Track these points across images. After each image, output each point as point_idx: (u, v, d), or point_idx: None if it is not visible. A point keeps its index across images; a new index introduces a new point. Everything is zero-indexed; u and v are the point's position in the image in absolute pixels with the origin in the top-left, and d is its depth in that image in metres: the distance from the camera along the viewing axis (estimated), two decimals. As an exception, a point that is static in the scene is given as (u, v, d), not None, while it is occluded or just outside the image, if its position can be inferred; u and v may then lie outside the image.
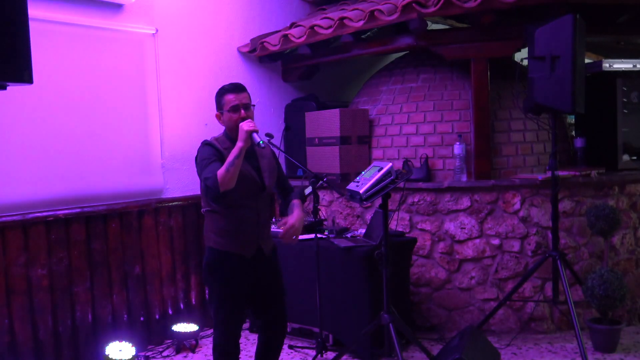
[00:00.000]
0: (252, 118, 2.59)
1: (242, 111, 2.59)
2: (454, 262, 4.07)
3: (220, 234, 2.63)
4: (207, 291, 2.84)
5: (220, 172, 2.37)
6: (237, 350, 2.73)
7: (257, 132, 2.48)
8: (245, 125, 2.46)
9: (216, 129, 4.59)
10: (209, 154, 2.54)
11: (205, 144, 2.64)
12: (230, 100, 2.60)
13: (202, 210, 2.73)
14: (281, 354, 3.82)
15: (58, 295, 3.59)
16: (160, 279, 4.16)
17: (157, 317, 4.13)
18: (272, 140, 2.72)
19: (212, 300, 2.68)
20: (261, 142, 2.47)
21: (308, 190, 3.76)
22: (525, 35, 3.60)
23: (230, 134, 2.63)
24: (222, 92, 2.65)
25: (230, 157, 2.40)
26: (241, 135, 2.45)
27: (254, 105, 2.70)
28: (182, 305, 4.29)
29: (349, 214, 4.48)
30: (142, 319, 4.04)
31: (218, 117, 2.69)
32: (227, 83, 2.68)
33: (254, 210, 2.65)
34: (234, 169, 2.39)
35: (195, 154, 2.67)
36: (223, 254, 2.63)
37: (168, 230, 4.21)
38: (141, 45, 4.08)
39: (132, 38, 4.02)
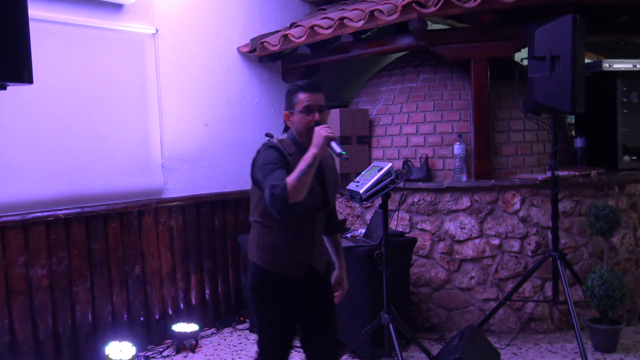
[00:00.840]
0: (325, 122, 2.28)
1: (317, 114, 2.26)
2: (454, 262, 4.07)
3: (268, 251, 2.30)
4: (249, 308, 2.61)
5: (291, 180, 2.04)
6: None
7: (335, 139, 2.17)
8: (323, 131, 2.13)
9: (216, 129, 4.62)
10: (274, 158, 2.19)
11: (270, 146, 2.26)
12: (304, 100, 2.26)
13: (250, 218, 2.40)
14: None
15: (58, 295, 3.59)
16: (160, 279, 4.16)
17: (157, 317, 4.13)
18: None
19: (258, 322, 2.39)
20: (343, 152, 2.15)
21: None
22: (525, 35, 3.60)
23: (299, 138, 2.30)
24: (295, 90, 2.30)
25: (302, 165, 2.07)
26: (317, 141, 2.12)
27: (328, 110, 2.43)
28: (182, 305, 4.29)
29: (349, 214, 4.48)
30: (142, 318, 4.04)
31: (286, 117, 2.34)
32: (301, 80, 2.38)
33: (308, 228, 2.32)
34: (307, 179, 2.07)
35: (255, 156, 2.32)
36: (270, 274, 2.30)
37: (168, 230, 4.21)
38: (141, 45, 4.08)
39: (132, 38, 4.02)
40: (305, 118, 2.26)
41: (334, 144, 2.16)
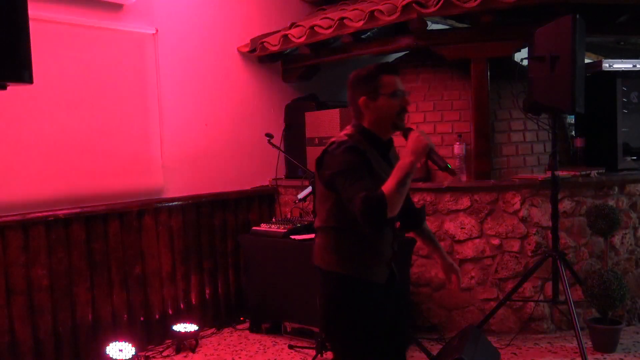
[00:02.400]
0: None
1: (407, 99, 2.03)
2: (454, 262, 4.07)
3: (350, 258, 2.05)
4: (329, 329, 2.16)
5: (390, 191, 1.80)
6: None
7: (434, 148, 1.93)
8: (424, 138, 1.90)
9: (216, 129, 4.61)
10: (359, 163, 1.92)
11: (350, 146, 1.96)
12: (392, 83, 2.01)
13: (318, 226, 2.14)
14: (281, 353, 3.84)
15: (58, 295, 3.59)
16: (160, 279, 4.16)
17: (157, 317, 4.13)
18: (272, 140, 2.63)
19: (341, 342, 2.08)
20: (449, 165, 1.92)
21: (308, 190, 3.78)
22: (525, 35, 3.60)
23: (376, 128, 2.04)
24: (374, 72, 2.02)
25: (400, 173, 1.83)
26: (416, 148, 1.87)
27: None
28: (182, 305, 4.29)
29: (349, 214, 4.47)
30: (142, 318, 4.04)
31: (365, 104, 2.02)
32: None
33: (390, 228, 2.12)
34: (405, 190, 1.84)
35: (323, 156, 2.03)
36: (352, 281, 2.05)
37: (168, 230, 4.21)
38: (141, 45, 4.08)
39: (132, 38, 4.02)
40: (394, 103, 2.00)
41: (434, 156, 1.91)
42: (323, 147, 2.05)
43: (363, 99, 2.02)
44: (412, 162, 1.85)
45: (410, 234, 2.38)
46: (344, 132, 2.07)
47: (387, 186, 1.81)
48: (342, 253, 2.06)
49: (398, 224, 2.29)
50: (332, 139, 2.05)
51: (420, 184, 4.09)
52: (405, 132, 1.99)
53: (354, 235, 2.02)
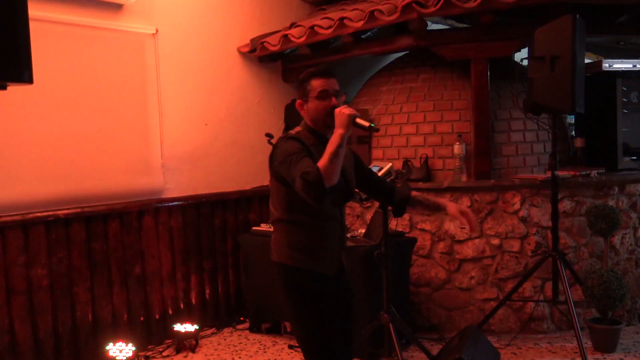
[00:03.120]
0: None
1: (333, 99, 2.18)
2: (454, 262, 4.07)
3: (301, 249, 2.19)
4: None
5: (323, 164, 1.93)
6: None
7: (359, 115, 2.09)
8: (345, 109, 2.05)
9: (216, 129, 4.61)
10: (298, 148, 2.08)
11: (290, 137, 2.16)
12: (319, 85, 2.18)
13: (272, 220, 2.29)
14: (281, 353, 3.84)
15: (58, 295, 3.59)
16: (160, 278, 4.16)
17: (157, 317, 4.13)
18: (272, 141, 2.66)
19: (299, 330, 2.23)
20: (372, 124, 2.10)
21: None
22: (525, 35, 3.60)
23: (315, 127, 2.22)
24: (307, 77, 2.21)
25: (331, 147, 1.97)
26: (341, 121, 2.03)
27: (344, 93, 2.33)
28: (182, 305, 4.29)
29: (349, 213, 4.48)
30: (142, 318, 4.04)
31: (300, 106, 2.24)
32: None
33: (337, 222, 2.26)
34: (338, 161, 1.96)
35: (272, 152, 2.22)
36: (303, 272, 2.20)
37: (168, 230, 4.21)
38: (141, 45, 4.08)
39: (132, 38, 4.02)
40: (321, 104, 2.17)
41: (360, 120, 2.07)
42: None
43: (298, 102, 2.25)
44: (341, 135, 2.01)
45: (412, 212, 2.49)
46: (294, 130, 2.25)
47: (322, 160, 1.96)
48: (293, 246, 2.20)
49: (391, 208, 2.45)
50: (278, 139, 2.23)
51: (420, 184, 4.09)
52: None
53: (305, 228, 2.19)
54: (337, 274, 2.29)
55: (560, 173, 3.72)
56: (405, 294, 3.87)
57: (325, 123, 2.18)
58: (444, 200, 2.45)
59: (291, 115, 4.90)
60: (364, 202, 3.07)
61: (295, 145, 2.11)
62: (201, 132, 4.49)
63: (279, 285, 2.27)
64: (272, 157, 2.20)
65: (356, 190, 2.43)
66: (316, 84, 2.19)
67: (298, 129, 2.25)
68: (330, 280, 2.25)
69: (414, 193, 2.44)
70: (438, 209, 2.45)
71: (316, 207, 2.04)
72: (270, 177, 2.24)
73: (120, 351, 3.61)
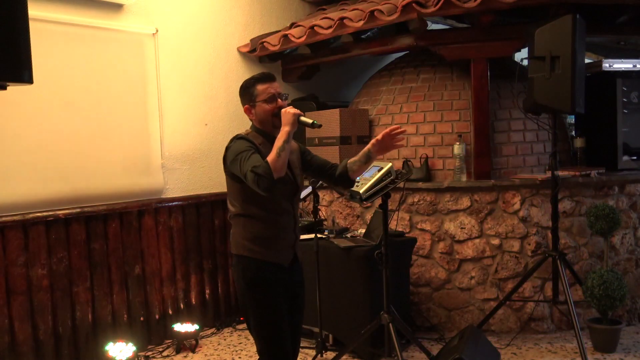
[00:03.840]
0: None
1: (279, 100, 2.38)
2: (454, 262, 4.07)
3: (257, 241, 2.35)
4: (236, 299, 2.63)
5: (272, 157, 2.14)
6: None
7: (303, 114, 2.31)
8: (290, 109, 2.27)
9: (216, 129, 4.61)
10: (247, 147, 2.28)
11: (240, 137, 2.36)
12: (264, 90, 2.37)
13: (229, 215, 2.45)
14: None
15: (58, 295, 3.59)
16: (160, 278, 4.16)
17: (157, 317, 4.13)
18: None
19: (254, 316, 2.37)
20: (315, 122, 2.29)
21: (308, 190, 3.77)
22: (525, 35, 3.60)
23: (263, 128, 2.40)
24: (252, 83, 2.40)
25: (278, 142, 2.18)
26: (287, 120, 2.25)
27: (287, 95, 2.50)
28: (182, 305, 4.29)
29: (349, 213, 4.48)
30: (142, 318, 4.04)
31: (247, 111, 2.43)
32: (257, 74, 2.44)
33: (290, 215, 2.42)
34: (285, 154, 2.17)
35: (225, 153, 2.39)
36: (259, 262, 2.36)
37: (168, 230, 4.21)
38: (141, 45, 4.08)
39: (132, 38, 4.02)
40: (269, 106, 2.37)
41: (304, 118, 2.29)
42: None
43: (245, 107, 2.44)
44: (288, 131, 2.23)
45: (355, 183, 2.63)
46: (244, 132, 2.44)
47: (271, 155, 2.16)
48: (250, 238, 2.36)
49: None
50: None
51: (421, 184, 4.09)
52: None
53: (260, 221, 2.35)
54: (291, 264, 2.44)
55: (560, 173, 3.72)
56: (405, 294, 3.87)
57: (273, 123, 2.36)
58: (368, 145, 2.51)
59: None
60: (364, 202, 3.06)
61: (244, 144, 2.30)
62: (201, 132, 4.49)
63: (236, 275, 2.42)
64: (225, 157, 2.36)
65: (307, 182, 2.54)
66: (261, 88, 2.38)
67: (248, 130, 2.45)
68: (285, 270, 2.41)
69: (349, 160, 2.54)
70: (368, 156, 2.51)
71: (266, 197, 2.22)
72: (225, 175, 2.40)
73: (120, 351, 3.61)
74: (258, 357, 2.42)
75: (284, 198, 2.39)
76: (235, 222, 2.42)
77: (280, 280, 2.38)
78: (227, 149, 2.37)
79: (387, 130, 2.45)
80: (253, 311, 2.36)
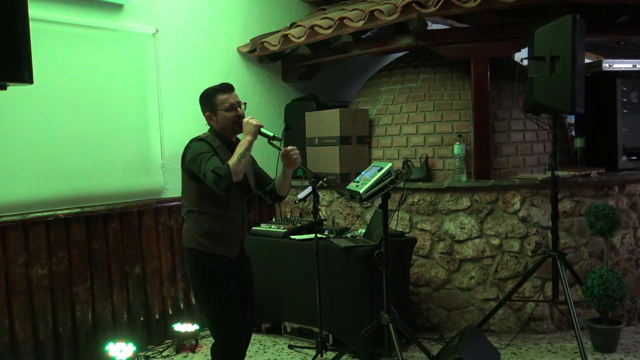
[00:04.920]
0: (244, 116, 2.65)
1: (239, 109, 2.64)
2: (454, 262, 4.07)
3: (208, 236, 2.58)
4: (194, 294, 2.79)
5: (233, 162, 2.39)
6: (247, 344, 2.76)
7: (264, 127, 2.57)
8: (253, 121, 2.54)
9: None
10: (207, 149, 2.51)
11: (199, 139, 2.59)
12: (225, 100, 2.62)
13: (184, 211, 2.67)
14: (281, 353, 3.84)
15: (58, 295, 3.59)
16: (161, 278, 4.16)
17: (157, 317, 4.13)
18: (271, 140, 2.79)
19: (207, 304, 2.59)
20: (276, 134, 2.56)
21: (308, 190, 3.78)
22: (525, 35, 3.60)
23: (223, 133, 2.65)
24: (212, 93, 2.64)
25: (240, 149, 2.45)
26: (249, 130, 2.52)
27: (245, 104, 2.72)
28: (182, 305, 4.29)
29: (349, 214, 4.48)
30: (142, 318, 4.04)
31: (209, 118, 2.66)
32: (238, 89, 2.70)
33: (240, 213, 2.67)
34: (245, 161, 2.43)
35: (184, 152, 2.63)
36: (209, 255, 2.59)
37: (168, 230, 4.21)
38: (141, 45, 4.08)
39: (132, 38, 4.02)
40: (230, 114, 2.61)
41: (264, 130, 2.56)
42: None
43: (207, 115, 2.67)
44: (249, 141, 2.50)
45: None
46: (203, 134, 2.66)
47: (232, 159, 2.42)
48: (200, 232, 2.59)
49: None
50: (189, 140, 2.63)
51: (421, 184, 4.09)
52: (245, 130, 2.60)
53: (211, 217, 2.58)
54: (238, 258, 2.69)
55: (560, 173, 3.72)
56: (405, 294, 3.87)
57: (234, 130, 2.64)
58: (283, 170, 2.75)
59: (291, 116, 4.90)
60: (364, 202, 3.07)
61: (204, 146, 2.54)
62: (201, 132, 4.47)
63: (187, 267, 2.65)
64: (184, 157, 2.59)
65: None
66: (222, 98, 2.62)
67: (206, 134, 2.67)
68: (232, 262, 2.65)
69: (277, 178, 2.80)
70: (283, 172, 2.74)
71: (223, 196, 2.43)
72: (182, 173, 2.63)
73: (120, 351, 3.61)
74: (213, 347, 2.64)
75: (236, 197, 2.63)
76: (189, 218, 2.64)
77: (229, 272, 2.63)
78: (186, 148, 2.59)
79: (283, 151, 2.67)
80: (206, 300, 2.58)
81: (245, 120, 2.56)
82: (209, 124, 2.69)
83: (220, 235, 2.60)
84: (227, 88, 2.65)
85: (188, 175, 2.58)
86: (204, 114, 2.68)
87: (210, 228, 2.58)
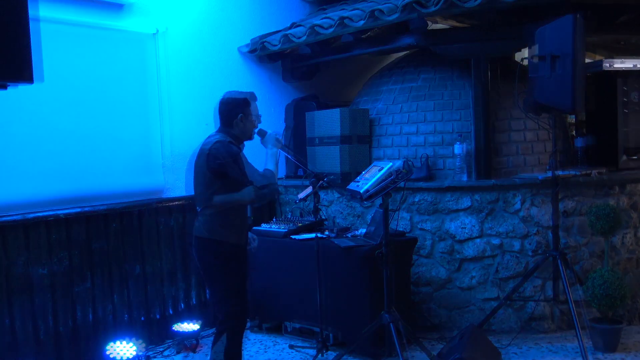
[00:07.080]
0: None
1: (259, 121, 3.07)
2: (455, 262, 4.07)
3: (230, 227, 2.93)
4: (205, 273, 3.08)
5: (274, 175, 2.97)
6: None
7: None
8: (280, 137, 3.08)
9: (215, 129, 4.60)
10: (238, 154, 2.88)
11: (231, 142, 2.90)
12: (255, 109, 3.00)
13: (202, 206, 2.95)
14: (282, 353, 3.84)
15: (59, 295, 3.59)
16: (161, 278, 4.16)
17: (157, 316, 4.13)
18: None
19: (225, 284, 2.92)
20: (285, 145, 3.16)
21: (308, 190, 3.78)
22: (526, 35, 3.60)
23: (241, 137, 2.98)
24: (251, 99, 2.99)
25: (274, 160, 3.01)
26: (274, 143, 3.06)
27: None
28: (182, 305, 4.29)
29: (350, 213, 4.48)
30: (142, 318, 4.04)
31: (241, 120, 2.94)
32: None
33: (247, 207, 3.09)
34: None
35: (217, 149, 2.86)
36: (230, 245, 2.92)
37: (168, 230, 4.21)
38: (142, 45, 4.08)
39: (133, 38, 4.02)
40: (254, 124, 3.02)
41: (283, 145, 3.15)
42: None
43: (240, 117, 2.95)
44: (276, 152, 3.06)
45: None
46: (220, 136, 2.93)
47: (274, 178, 3.00)
48: (224, 225, 2.91)
49: None
50: (215, 140, 2.89)
51: (421, 184, 4.09)
52: (262, 135, 3.13)
53: (230, 211, 2.92)
54: (245, 244, 3.08)
55: (561, 173, 3.72)
56: (406, 293, 3.87)
57: (250, 137, 3.03)
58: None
59: (291, 115, 4.91)
60: (365, 202, 3.07)
61: (237, 151, 2.88)
62: (201, 132, 4.47)
63: (206, 255, 2.94)
64: (216, 154, 2.82)
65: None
66: (254, 107, 3.01)
67: (223, 135, 2.95)
68: (244, 249, 3.05)
69: None
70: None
71: (257, 206, 2.97)
72: (205, 169, 2.86)
73: (121, 351, 3.61)
74: (221, 320, 2.96)
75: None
76: (208, 212, 2.92)
77: (243, 257, 3.03)
78: (217, 148, 2.83)
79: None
80: (225, 282, 2.92)
81: (272, 133, 3.07)
82: (231, 125, 2.95)
83: (237, 227, 2.97)
84: (255, 98, 3.02)
85: (215, 174, 2.84)
86: (235, 115, 2.93)
87: (233, 221, 2.93)
